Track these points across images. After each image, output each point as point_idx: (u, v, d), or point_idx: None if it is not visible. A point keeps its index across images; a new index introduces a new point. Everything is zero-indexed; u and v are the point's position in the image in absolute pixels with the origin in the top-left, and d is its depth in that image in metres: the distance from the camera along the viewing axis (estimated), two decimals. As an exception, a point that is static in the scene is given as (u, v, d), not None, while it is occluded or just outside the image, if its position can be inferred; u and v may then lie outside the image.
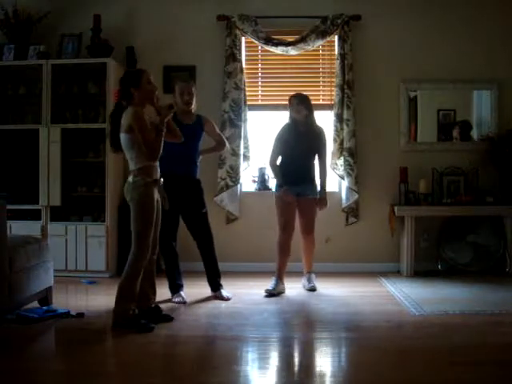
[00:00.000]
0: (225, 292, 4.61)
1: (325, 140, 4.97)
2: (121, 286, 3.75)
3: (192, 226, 4.61)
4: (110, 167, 5.66)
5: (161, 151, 3.75)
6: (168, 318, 3.93)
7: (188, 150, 4.55)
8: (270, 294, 4.66)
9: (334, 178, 5.89)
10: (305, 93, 5.09)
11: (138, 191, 3.72)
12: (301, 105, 4.82)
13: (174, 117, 4.54)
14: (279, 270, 4.82)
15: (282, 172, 4.85)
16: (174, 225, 4.58)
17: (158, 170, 3.85)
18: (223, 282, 4.69)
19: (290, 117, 4.90)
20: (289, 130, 4.88)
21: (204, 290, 4.67)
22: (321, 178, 4.97)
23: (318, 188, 4.92)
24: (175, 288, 4.56)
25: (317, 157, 4.95)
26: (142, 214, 3.72)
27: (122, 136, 3.74)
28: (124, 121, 3.71)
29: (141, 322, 3.70)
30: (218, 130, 4.85)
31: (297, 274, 5.06)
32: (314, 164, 4.95)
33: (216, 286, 4.62)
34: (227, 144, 4.94)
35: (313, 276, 4.99)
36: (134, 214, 3.75)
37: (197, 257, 4.64)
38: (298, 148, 4.82)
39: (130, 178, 3.77)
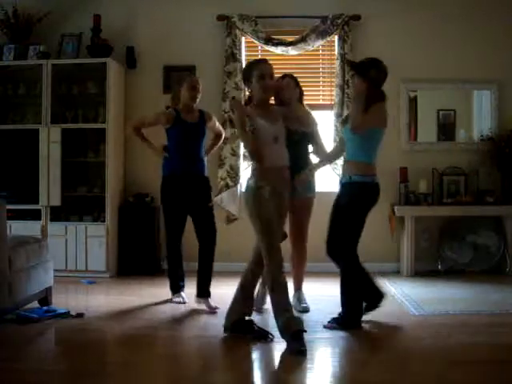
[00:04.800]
0: (212, 302, 4.31)
1: (315, 122, 4.27)
2: (272, 302, 3.45)
3: (198, 220, 4.45)
4: (110, 167, 5.66)
5: (252, 150, 3.47)
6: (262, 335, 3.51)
7: (195, 149, 4.45)
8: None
9: (334, 178, 5.89)
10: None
11: (247, 195, 3.53)
12: (292, 83, 4.18)
13: (177, 116, 4.38)
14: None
15: None
16: (182, 226, 4.49)
17: (276, 173, 3.50)
18: (223, 281, 4.67)
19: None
20: None
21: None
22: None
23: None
24: (176, 288, 4.54)
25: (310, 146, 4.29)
26: (259, 221, 3.43)
27: None
28: None
29: (292, 342, 3.30)
30: (217, 124, 4.77)
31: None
32: (306, 155, 4.25)
33: (204, 292, 4.37)
34: (223, 133, 4.85)
35: (303, 295, 4.38)
36: (252, 222, 3.49)
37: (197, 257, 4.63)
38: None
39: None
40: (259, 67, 3.52)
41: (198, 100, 4.45)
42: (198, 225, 4.47)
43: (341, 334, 3.65)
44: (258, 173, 3.48)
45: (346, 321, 3.70)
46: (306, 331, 3.38)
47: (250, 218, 3.51)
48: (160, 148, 4.49)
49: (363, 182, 3.71)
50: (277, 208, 3.48)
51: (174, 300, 4.49)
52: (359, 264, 3.78)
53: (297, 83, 4.24)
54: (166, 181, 4.46)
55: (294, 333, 3.29)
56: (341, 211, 3.76)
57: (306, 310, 4.21)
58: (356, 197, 3.71)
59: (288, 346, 3.30)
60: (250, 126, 3.45)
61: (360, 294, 3.75)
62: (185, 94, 4.39)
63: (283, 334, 3.34)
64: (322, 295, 4.74)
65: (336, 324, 3.71)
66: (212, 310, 4.20)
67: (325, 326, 3.73)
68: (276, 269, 3.38)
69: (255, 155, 3.45)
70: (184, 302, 4.43)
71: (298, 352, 3.22)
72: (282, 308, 3.36)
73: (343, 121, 4.06)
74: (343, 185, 3.81)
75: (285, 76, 4.25)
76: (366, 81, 3.70)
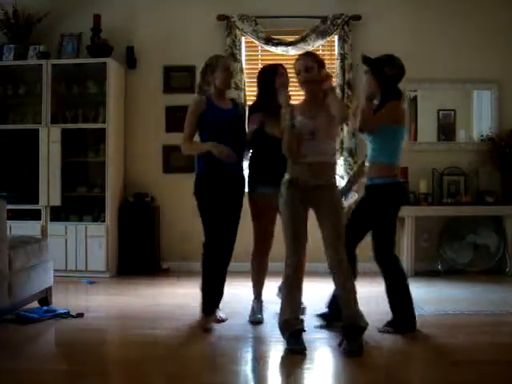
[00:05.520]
0: (220, 312, 4.02)
1: None
2: (282, 297, 3.46)
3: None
4: (110, 167, 5.67)
5: (286, 146, 3.41)
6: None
7: (236, 141, 3.80)
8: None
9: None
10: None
11: (281, 189, 3.48)
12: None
13: (209, 102, 3.80)
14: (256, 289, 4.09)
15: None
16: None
17: (310, 169, 3.39)
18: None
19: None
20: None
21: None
22: None
23: None
24: (210, 308, 3.84)
25: None
26: (284, 215, 3.43)
27: None
28: None
29: (291, 341, 3.30)
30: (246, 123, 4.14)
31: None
32: None
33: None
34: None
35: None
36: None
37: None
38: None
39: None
40: (295, 63, 3.48)
41: (231, 85, 3.99)
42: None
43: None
44: (291, 168, 3.45)
45: (402, 325, 3.63)
46: (305, 331, 3.39)
47: (280, 211, 3.50)
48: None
49: (385, 184, 3.64)
50: (307, 204, 3.43)
51: (206, 327, 3.74)
52: (400, 267, 3.71)
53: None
54: (200, 180, 3.86)
55: (294, 332, 3.30)
56: (367, 215, 3.69)
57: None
58: (381, 200, 3.65)
59: (287, 344, 3.31)
60: (289, 120, 3.40)
61: (408, 295, 3.66)
62: (219, 77, 3.81)
63: (283, 333, 3.36)
64: (322, 295, 4.73)
65: (391, 328, 3.64)
66: (220, 321, 3.90)
67: (379, 330, 3.64)
68: (293, 264, 3.37)
69: (288, 151, 3.41)
70: (224, 320, 3.87)
71: (295, 351, 3.24)
72: (288, 305, 3.37)
73: None
74: (367, 188, 3.74)
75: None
76: (378, 78, 3.64)
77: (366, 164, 3.81)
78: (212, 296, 3.80)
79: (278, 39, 5.83)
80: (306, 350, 3.26)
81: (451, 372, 3.00)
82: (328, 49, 6.00)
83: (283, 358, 3.26)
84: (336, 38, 5.87)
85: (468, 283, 5.16)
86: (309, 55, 3.55)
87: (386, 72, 3.63)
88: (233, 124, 3.83)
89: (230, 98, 4.07)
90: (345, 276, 3.36)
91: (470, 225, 5.73)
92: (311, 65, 3.41)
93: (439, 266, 5.73)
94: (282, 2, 5.91)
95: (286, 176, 3.46)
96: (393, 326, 3.65)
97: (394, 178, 3.67)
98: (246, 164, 4.07)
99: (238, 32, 5.85)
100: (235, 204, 3.90)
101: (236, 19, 5.83)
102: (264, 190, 3.87)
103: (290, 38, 5.82)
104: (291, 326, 3.32)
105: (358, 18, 5.81)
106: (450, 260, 5.75)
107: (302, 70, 3.41)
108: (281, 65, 4.10)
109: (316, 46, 5.85)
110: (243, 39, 5.94)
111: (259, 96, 4.05)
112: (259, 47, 5.98)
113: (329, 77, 3.44)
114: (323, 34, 5.78)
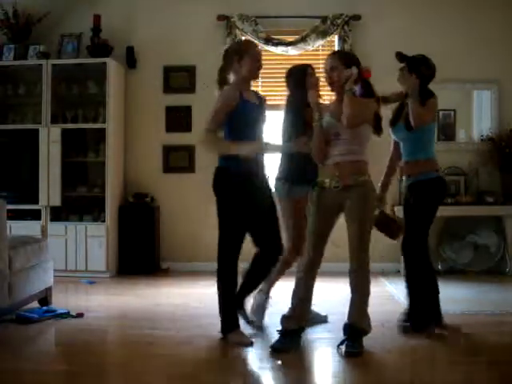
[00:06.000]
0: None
1: None
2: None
3: (261, 235, 3.55)
4: (110, 167, 5.67)
5: (315, 151, 3.35)
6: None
7: (260, 139, 3.54)
8: None
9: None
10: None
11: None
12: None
13: (242, 97, 3.40)
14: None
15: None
16: (243, 237, 3.50)
17: (335, 170, 3.31)
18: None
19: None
20: None
21: (205, 289, 4.66)
22: None
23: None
24: (234, 323, 3.49)
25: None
26: (308, 215, 3.41)
27: None
28: None
29: (279, 337, 3.35)
30: None
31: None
32: None
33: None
34: None
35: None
36: None
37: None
38: None
39: None
40: (324, 61, 3.44)
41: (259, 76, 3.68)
42: (261, 241, 3.57)
43: (341, 334, 3.65)
44: (320, 170, 3.42)
45: (416, 322, 3.62)
46: (299, 331, 3.39)
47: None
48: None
49: (430, 179, 3.66)
50: (337, 205, 3.36)
51: (233, 340, 3.45)
52: (430, 265, 3.74)
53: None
54: (223, 174, 3.42)
55: (285, 331, 3.35)
56: (412, 212, 3.72)
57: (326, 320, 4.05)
58: (426, 195, 3.67)
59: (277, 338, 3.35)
60: (318, 120, 3.34)
61: (419, 294, 3.65)
62: (248, 65, 3.43)
63: (281, 328, 3.39)
64: (322, 295, 4.73)
65: (407, 322, 3.65)
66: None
67: (399, 326, 3.66)
68: (303, 263, 3.39)
69: (316, 152, 3.36)
70: (251, 343, 3.44)
71: (274, 347, 3.28)
72: (291, 302, 3.39)
73: (391, 122, 3.83)
74: (410, 186, 3.73)
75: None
76: (418, 77, 3.71)
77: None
78: (234, 308, 3.50)
79: (277, 39, 5.83)
80: (286, 351, 3.24)
81: (451, 372, 3.00)
82: (328, 49, 5.98)
83: (283, 359, 3.26)
84: (336, 37, 5.87)
85: (468, 283, 5.16)
86: (336, 54, 3.53)
87: (423, 71, 3.71)
88: (260, 121, 3.55)
89: (252, 91, 3.68)
90: (361, 280, 3.38)
91: (470, 225, 5.73)
92: (336, 65, 3.35)
93: (439, 266, 5.72)
94: (282, 2, 5.91)
95: (318, 178, 3.42)
96: (408, 321, 3.65)
97: (437, 173, 3.71)
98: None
99: (237, 32, 5.86)
100: (268, 205, 3.54)
101: (236, 19, 5.83)
102: (300, 192, 3.71)
103: (290, 38, 5.82)
104: (284, 323, 3.37)
105: (358, 18, 5.81)
106: (450, 260, 5.75)
107: (328, 69, 3.38)
108: (309, 65, 4.04)
109: (316, 45, 5.85)
110: (243, 39, 5.94)
111: (291, 97, 3.93)
112: (259, 47, 5.98)
113: (352, 77, 3.31)
114: (323, 33, 5.78)
